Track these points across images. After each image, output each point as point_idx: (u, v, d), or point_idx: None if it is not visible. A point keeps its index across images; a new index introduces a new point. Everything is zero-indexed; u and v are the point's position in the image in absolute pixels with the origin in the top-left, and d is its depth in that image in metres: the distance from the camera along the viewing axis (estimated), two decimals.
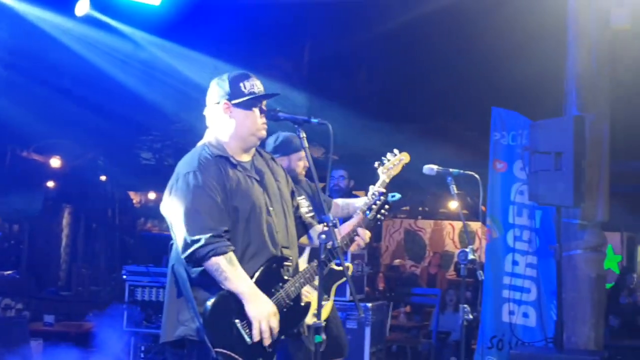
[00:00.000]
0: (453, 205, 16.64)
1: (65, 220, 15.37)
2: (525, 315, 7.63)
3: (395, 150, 4.77)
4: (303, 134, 3.78)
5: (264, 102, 3.88)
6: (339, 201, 5.65)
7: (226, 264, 3.55)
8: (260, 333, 3.56)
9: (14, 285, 12.04)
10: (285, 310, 3.69)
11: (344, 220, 4.49)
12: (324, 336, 3.46)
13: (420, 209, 18.67)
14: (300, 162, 5.28)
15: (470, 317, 4.92)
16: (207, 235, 3.54)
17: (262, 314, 3.57)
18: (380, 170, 4.54)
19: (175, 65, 9.48)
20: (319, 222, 4.09)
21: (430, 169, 5.22)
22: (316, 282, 3.69)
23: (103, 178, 14.76)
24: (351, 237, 4.06)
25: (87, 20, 8.10)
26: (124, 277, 7.24)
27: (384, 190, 4.34)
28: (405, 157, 4.72)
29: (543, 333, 7.42)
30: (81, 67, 9.29)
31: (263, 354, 3.61)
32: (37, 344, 8.38)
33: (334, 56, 12.57)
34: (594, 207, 6.89)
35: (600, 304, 7.00)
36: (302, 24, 11.50)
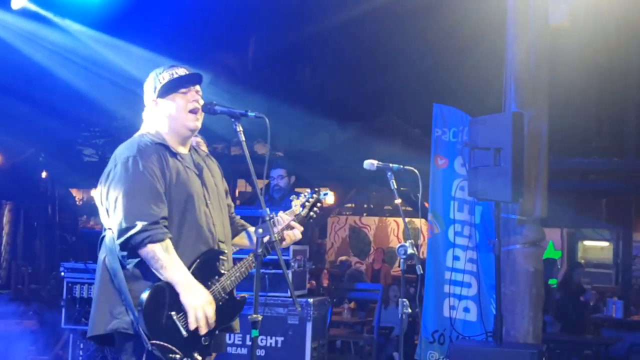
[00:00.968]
0: (397, 202, 16.74)
1: (6, 218, 15.12)
2: (467, 309, 7.70)
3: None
4: (240, 128, 3.75)
5: (196, 89, 3.84)
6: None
7: (162, 251, 3.51)
8: (196, 321, 3.53)
9: None
10: (220, 304, 3.67)
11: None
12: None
13: (365, 205, 18.78)
14: None
15: (409, 311, 4.94)
16: (145, 222, 3.50)
17: (198, 302, 3.54)
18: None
19: (116, 61, 9.34)
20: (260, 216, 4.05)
21: (370, 164, 5.23)
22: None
23: (44, 175, 14.53)
24: (281, 236, 4.02)
25: (25, 13, 7.94)
26: (62, 274, 7.11)
27: (312, 196, 4.25)
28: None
29: (484, 327, 7.50)
30: (19, 61, 9.10)
31: (199, 347, 3.59)
32: None
33: (279, 51, 12.58)
34: (532, 203, 6.98)
35: (538, 298, 7.09)
36: (248, 19, 11.46)
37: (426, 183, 7.49)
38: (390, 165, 5.21)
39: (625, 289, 13.43)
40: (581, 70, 10.02)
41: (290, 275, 6.48)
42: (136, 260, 3.56)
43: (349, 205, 18.64)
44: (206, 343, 3.61)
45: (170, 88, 3.78)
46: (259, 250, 3.61)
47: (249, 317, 3.53)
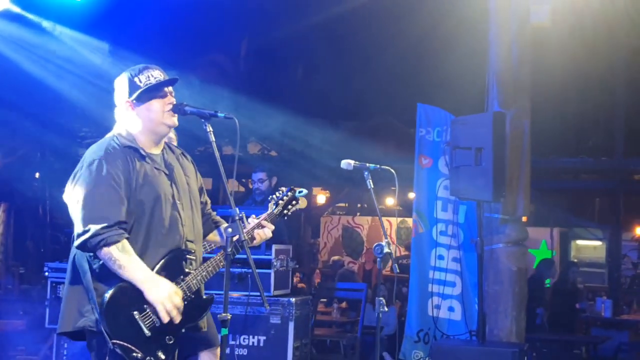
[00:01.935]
0: (390, 201, 16.79)
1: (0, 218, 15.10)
2: (451, 309, 7.74)
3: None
4: (209, 128, 3.77)
5: (169, 89, 3.86)
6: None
7: (118, 252, 3.54)
8: (167, 314, 3.56)
9: None
10: (186, 303, 3.68)
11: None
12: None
13: (358, 205, 18.79)
14: None
15: (386, 309, 4.96)
16: (98, 227, 3.52)
17: (163, 294, 3.57)
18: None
19: (100, 64, 9.27)
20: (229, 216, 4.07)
21: (347, 163, 5.24)
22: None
23: (37, 175, 14.53)
24: (251, 234, 4.03)
25: (7, 15, 7.92)
26: (46, 274, 7.12)
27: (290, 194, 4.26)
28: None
29: (468, 326, 7.53)
30: (7, 66, 9.07)
31: (164, 346, 3.61)
32: None
33: (271, 51, 12.59)
34: (514, 202, 7.01)
35: (521, 297, 7.12)
36: (239, 19, 11.47)
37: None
38: (367, 165, 5.22)
39: (614, 288, 13.45)
40: (569, 70, 10.05)
41: (272, 275, 6.53)
42: (101, 261, 3.59)
43: (342, 204, 18.67)
44: (170, 342, 3.63)
45: (149, 93, 3.80)
46: (229, 250, 3.63)
47: (218, 315, 3.55)
